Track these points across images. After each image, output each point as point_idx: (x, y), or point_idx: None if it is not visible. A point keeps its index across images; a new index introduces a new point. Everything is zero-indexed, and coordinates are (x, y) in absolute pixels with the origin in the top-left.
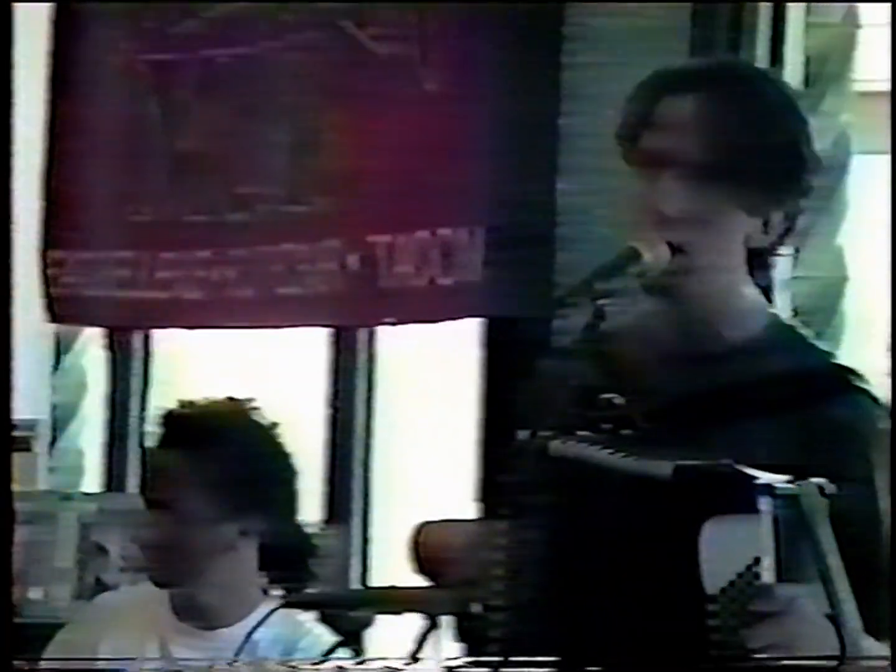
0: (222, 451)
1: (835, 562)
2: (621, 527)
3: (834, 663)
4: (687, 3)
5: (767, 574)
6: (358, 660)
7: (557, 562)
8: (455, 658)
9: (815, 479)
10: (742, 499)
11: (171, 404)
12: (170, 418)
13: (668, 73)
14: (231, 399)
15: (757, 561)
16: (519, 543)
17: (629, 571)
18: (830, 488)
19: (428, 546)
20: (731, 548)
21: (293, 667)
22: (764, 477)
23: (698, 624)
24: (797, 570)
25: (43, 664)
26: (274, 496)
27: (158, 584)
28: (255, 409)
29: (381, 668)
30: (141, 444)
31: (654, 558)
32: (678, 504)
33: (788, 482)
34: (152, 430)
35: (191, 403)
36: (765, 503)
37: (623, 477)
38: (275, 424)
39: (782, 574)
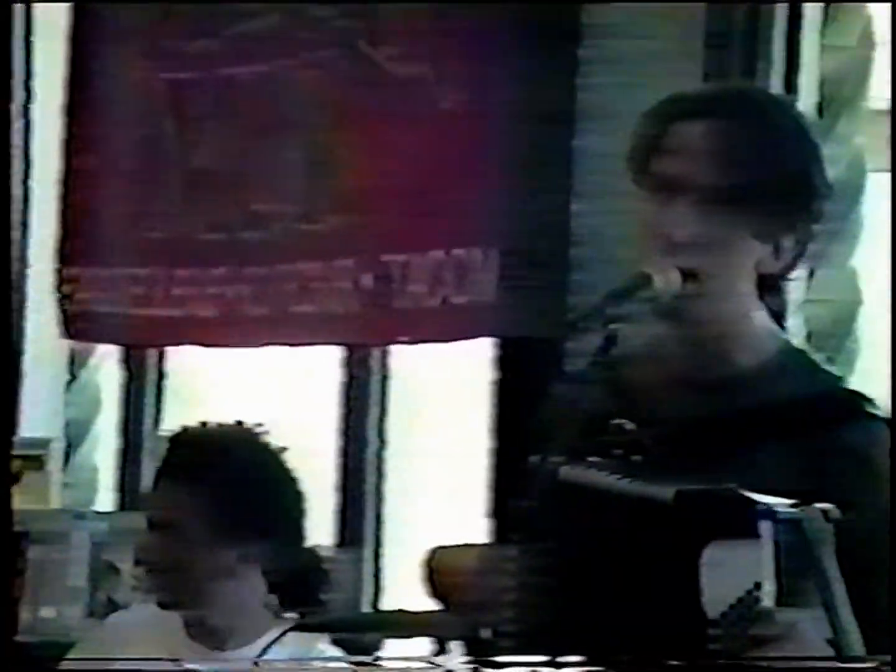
0: (225, 476)
1: (838, 587)
2: (627, 550)
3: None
4: (701, 27)
5: (768, 599)
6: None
7: (567, 586)
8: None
9: (819, 505)
10: (744, 523)
11: (183, 423)
12: (175, 441)
13: (680, 98)
14: (239, 423)
15: (758, 586)
16: (529, 568)
17: (634, 594)
18: (835, 513)
19: (441, 570)
20: (732, 572)
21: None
22: (767, 501)
23: (699, 647)
24: (799, 595)
25: None
26: (277, 522)
27: (163, 606)
28: (263, 433)
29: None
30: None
31: (657, 581)
32: (680, 528)
33: (792, 507)
34: (158, 452)
35: (197, 427)
36: (766, 528)
37: (628, 501)
38: (282, 449)
39: (784, 599)
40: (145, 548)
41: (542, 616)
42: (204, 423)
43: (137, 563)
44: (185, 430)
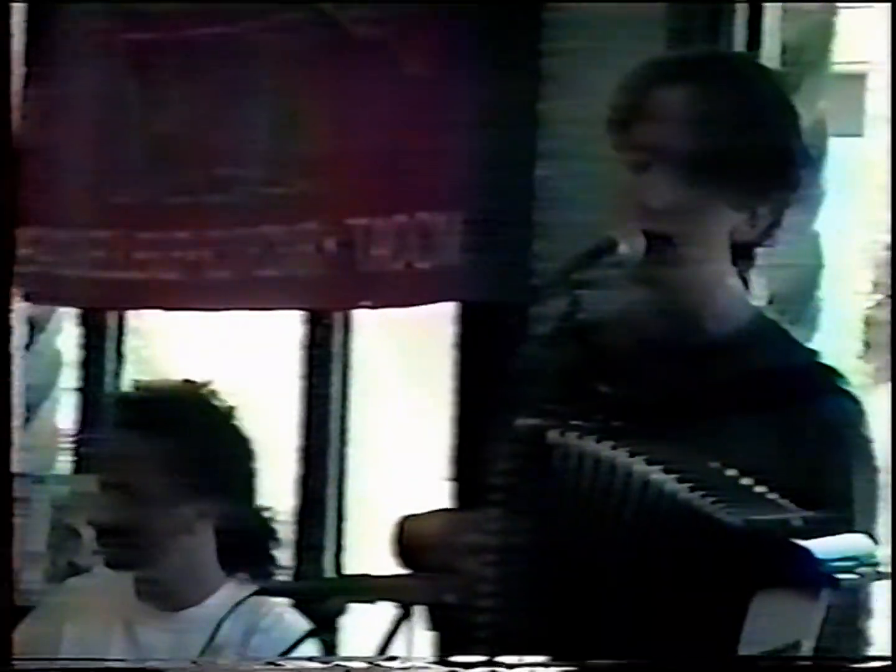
0: (177, 433)
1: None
2: (637, 542)
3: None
4: None
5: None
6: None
7: (547, 555)
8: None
9: (875, 560)
10: (805, 580)
11: (135, 386)
12: (126, 401)
13: (661, 63)
14: (188, 381)
15: (797, 644)
16: (506, 532)
17: (647, 582)
18: (884, 575)
19: (412, 539)
20: (777, 621)
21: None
22: (832, 560)
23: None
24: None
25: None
26: (229, 479)
27: (113, 567)
28: (213, 391)
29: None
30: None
31: (674, 589)
32: (736, 558)
33: (852, 568)
34: (111, 412)
35: (147, 386)
36: (825, 595)
37: (671, 502)
38: (232, 408)
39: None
40: (97, 509)
41: (514, 584)
42: (152, 382)
43: (89, 524)
44: (135, 388)
